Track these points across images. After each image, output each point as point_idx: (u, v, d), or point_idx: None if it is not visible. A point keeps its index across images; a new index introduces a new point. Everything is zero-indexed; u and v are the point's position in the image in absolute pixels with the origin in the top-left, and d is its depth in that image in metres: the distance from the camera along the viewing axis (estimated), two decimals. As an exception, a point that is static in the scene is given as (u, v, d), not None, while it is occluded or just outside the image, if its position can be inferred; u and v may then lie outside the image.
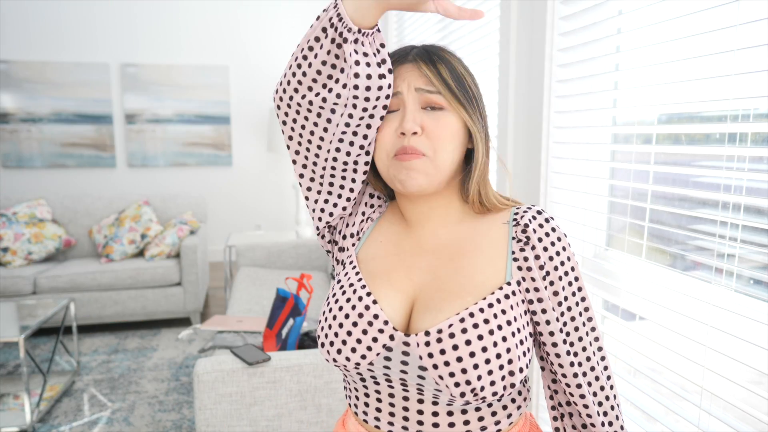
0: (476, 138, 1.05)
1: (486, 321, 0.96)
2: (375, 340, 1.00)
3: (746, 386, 1.29)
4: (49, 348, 4.41)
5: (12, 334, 3.17)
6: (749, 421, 1.32)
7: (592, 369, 1.06)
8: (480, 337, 0.95)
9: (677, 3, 1.52)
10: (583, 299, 1.05)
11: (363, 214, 1.17)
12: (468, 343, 0.94)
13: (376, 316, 1.01)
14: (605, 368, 1.09)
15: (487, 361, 0.94)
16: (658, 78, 1.60)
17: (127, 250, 4.93)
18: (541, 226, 1.03)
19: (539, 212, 1.05)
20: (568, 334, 1.05)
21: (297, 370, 2.27)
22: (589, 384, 1.07)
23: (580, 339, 1.06)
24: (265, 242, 4.66)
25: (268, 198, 6.98)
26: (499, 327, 0.96)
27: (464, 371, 0.94)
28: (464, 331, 0.95)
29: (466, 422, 1.03)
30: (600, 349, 1.08)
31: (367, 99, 1.00)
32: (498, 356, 0.95)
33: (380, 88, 1.00)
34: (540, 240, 1.02)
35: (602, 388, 1.07)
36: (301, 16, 6.76)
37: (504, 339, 0.96)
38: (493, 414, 1.04)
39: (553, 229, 1.03)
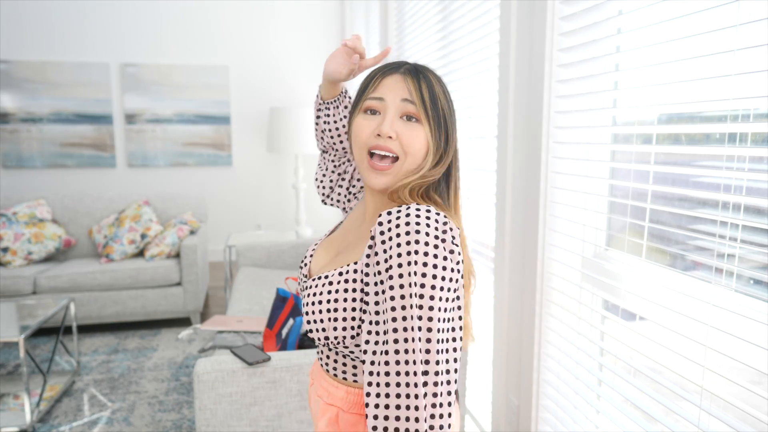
0: (430, 147, 1.18)
1: (323, 285, 1.18)
2: (301, 276, 1.38)
3: (746, 386, 1.29)
4: (49, 348, 4.41)
5: (12, 334, 3.18)
6: (749, 421, 1.32)
7: (387, 384, 0.99)
8: (312, 294, 1.18)
9: (677, 3, 1.52)
10: (402, 306, 0.98)
11: (349, 193, 1.59)
12: (307, 295, 1.20)
13: (305, 264, 1.37)
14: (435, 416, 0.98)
15: (307, 313, 1.19)
16: (658, 78, 1.60)
17: (127, 250, 4.93)
18: (380, 224, 1.05)
19: (391, 212, 1.05)
20: (370, 333, 1.06)
21: (297, 370, 2.27)
22: (376, 406, 0.99)
23: (379, 347, 1.02)
24: (265, 242, 4.66)
25: (268, 198, 6.98)
26: (320, 293, 1.17)
27: (303, 314, 1.29)
28: (310, 286, 1.21)
29: (335, 361, 1.26)
30: (425, 383, 0.98)
31: (333, 145, 1.55)
32: (315, 312, 1.17)
33: (339, 135, 1.53)
34: (372, 237, 1.06)
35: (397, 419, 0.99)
36: (301, 15, 6.76)
37: (320, 302, 1.16)
38: (344, 365, 1.24)
39: (384, 231, 1.03)
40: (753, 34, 1.29)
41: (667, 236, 1.69)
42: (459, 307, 1.03)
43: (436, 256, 0.98)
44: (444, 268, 0.99)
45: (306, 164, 6.83)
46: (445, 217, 1.04)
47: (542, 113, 2.08)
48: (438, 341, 0.98)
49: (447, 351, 0.99)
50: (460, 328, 1.03)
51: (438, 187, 1.22)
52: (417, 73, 1.19)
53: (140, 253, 5.09)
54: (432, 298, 0.97)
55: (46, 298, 4.27)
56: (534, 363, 2.24)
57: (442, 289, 0.98)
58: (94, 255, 5.22)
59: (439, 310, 0.98)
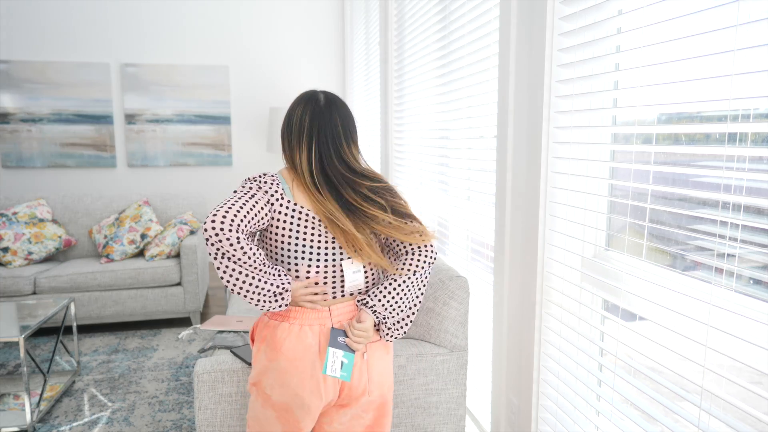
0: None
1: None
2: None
3: (746, 386, 1.29)
4: (49, 348, 4.41)
5: (12, 334, 3.17)
6: (749, 421, 1.32)
7: None
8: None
9: (677, 3, 1.52)
10: None
11: None
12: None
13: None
14: None
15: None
16: (658, 78, 1.60)
17: (127, 250, 4.93)
18: None
19: None
20: None
21: (297, 370, 2.27)
22: None
23: None
24: (265, 242, 4.65)
25: (269, 198, 6.96)
26: None
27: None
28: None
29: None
30: None
31: None
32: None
33: None
34: None
35: None
36: (301, 15, 6.76)
37: None
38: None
39: None
40: (752, 34, 1.29)
41: (667, 236, 1.69)
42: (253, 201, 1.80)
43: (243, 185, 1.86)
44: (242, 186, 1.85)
45: (306, 164, 6.83)
46: (269, 174, 1.89)
47: (542, 113, 2.09)
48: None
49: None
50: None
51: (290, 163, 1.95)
52: None
53: (140, 253, 5.09)
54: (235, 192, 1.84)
55: (46, 298, 4.27)
56: (534, 363, 2.25)
57: (235, 192, 1.83)
58: (95, 255, 5.22)
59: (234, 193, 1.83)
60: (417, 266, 1.92)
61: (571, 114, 2.00)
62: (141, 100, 6.43)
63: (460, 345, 2.38)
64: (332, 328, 1.87)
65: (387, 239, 1.99)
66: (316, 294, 1.87)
